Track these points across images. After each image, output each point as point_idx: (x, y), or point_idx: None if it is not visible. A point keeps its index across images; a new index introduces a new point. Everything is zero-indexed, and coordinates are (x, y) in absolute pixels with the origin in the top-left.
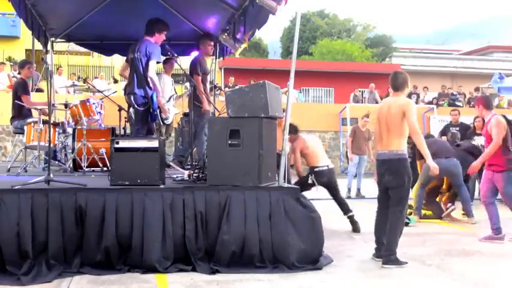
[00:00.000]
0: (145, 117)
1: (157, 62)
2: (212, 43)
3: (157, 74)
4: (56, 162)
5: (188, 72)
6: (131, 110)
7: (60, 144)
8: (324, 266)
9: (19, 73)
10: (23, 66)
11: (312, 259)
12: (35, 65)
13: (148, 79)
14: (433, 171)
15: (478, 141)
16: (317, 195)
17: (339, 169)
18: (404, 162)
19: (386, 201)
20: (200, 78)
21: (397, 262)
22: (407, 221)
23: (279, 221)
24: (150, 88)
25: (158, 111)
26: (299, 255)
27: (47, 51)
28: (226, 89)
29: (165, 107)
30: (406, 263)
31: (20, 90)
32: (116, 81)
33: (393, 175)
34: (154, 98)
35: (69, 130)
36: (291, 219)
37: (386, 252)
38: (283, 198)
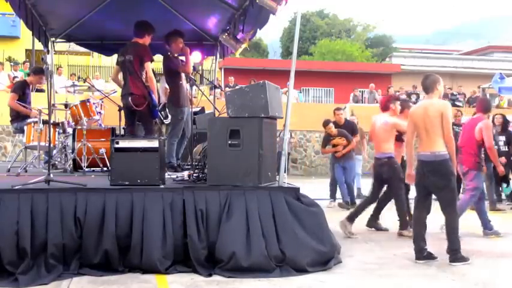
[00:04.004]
0: (150, 116)
1: (151, 61)
2: (182, 40)
3: (157, 74)
4: (56, 162)
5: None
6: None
7: (60, 144)
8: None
9: (28, 75)
10: (38, 73)
11: (324, 256)
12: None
13: (143, 79)
14: None
15: None
16: (317, 195)
17: None
18: (447, 163)
19: (425, 202)
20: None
21: (463, 259)
22: None
23: (284, 218)
24: (146, 87)
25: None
26: (311, 251)
27: (48, 51)
28: (227, 88)
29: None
30: (469, 259)
31: (12, 88)
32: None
33: (437, 176)
34: (153, 95)
35: (69, 130)
36: (296, 216)
37: (451, 252)
38: (284, 197)
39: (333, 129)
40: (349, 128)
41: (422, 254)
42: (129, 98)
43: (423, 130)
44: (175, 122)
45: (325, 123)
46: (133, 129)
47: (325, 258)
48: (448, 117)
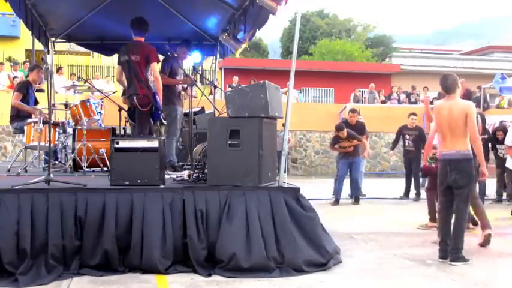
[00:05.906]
0: (149, 117)
1: (158, 62)
2: (189, 51)
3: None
4: (56, 162)
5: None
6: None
7: (60, 144)
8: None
9: (27, 76)
10: (33, 69)
11: (319, 261)
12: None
13: (150, 82)
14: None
15: None
16: (317, 195)
17: None
18: (471, 162)
19: (449, 201)
20: (166, 77)
21: (463, 259)
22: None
23: (284, 219)
24: (151, 88)
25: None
26: (308, 254)
27: (48, 51)
28: (229, 88)
29: None
30: (469, 259)
31: (16, 88)
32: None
33: (461, 174)
34: (157, 97)
35: (69, 130)
36: (294, 218)
37: (453, 250)
38: (283, 198)
39: (345, 134)
40: (359, 129)
41: (447, 254)
42: (135, 98)
43: (448, 130)
44: (170, 120)
45: (340, 128)
46: (143, 129)
47: (323, 262)
48: (473, 117)
